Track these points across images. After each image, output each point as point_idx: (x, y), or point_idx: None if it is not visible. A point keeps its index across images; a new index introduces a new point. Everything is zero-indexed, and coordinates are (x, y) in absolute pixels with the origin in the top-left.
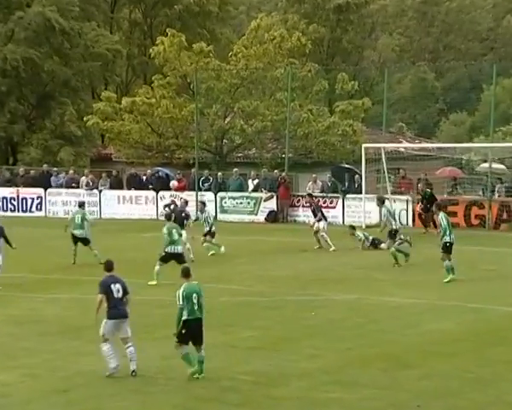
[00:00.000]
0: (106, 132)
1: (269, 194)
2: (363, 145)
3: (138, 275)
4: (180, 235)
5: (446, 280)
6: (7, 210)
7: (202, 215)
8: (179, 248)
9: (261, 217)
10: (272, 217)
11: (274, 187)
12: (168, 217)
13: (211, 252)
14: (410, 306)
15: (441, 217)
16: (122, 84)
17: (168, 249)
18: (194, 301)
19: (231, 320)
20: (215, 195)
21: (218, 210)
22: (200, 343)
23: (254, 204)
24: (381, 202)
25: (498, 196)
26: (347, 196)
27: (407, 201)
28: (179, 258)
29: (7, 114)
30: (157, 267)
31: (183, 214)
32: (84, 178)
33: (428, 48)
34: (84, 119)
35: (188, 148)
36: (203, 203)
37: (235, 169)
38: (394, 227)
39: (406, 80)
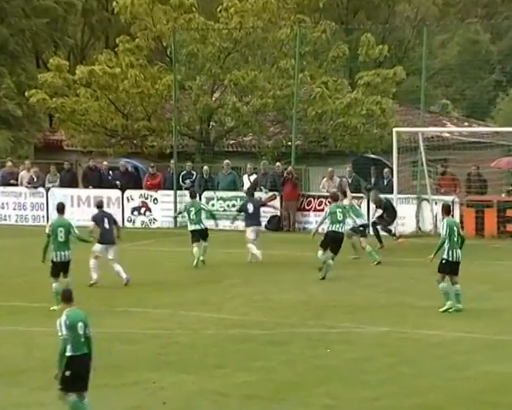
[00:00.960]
0: (55, 112)
1: (270, 194)
2: (395, 129)
3: (100, 301)
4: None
5: (442, 309)
6: None
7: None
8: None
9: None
10: (275, 224)
11: (277, 185)
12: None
13: (196, 261)
14: (456, 341)
15: (444, 224)
16: (76, 49)
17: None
18: (80, 331)
19: (221, 360)
20: (199, 195)
21: (203, 215)
22: (84, 389)
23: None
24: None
25: None
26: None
27: (453, 202)
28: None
29: None
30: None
31: None
32: (25, 172)
33: (482, 0)
34: (26, 94)
35: (163, 133)
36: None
37: (226, 161)
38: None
39: (452, 43)
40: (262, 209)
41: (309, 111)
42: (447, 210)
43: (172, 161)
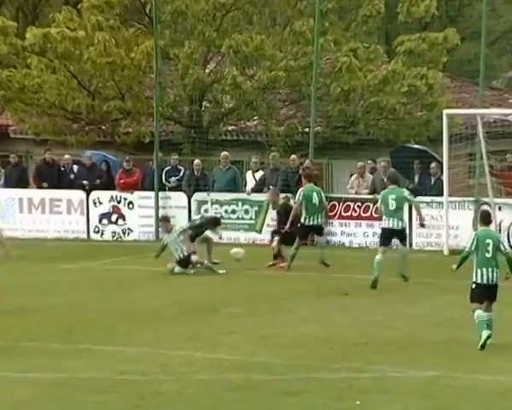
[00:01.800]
0: None
1: (282, 196)
2: (446, 112)
3: (56, 336)
4: None
5: (480, 343)
6: None
7: (170, 237)
8: None
9: (268, 235)
10: (288, 235)
11: (291, 184)
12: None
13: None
14: None
15: (472, 235)
16: (27, 5)
17: None
18: None
19: None
20: (189, 197)
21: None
22: None
23: (257, 214)
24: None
25: None
26: (418, 198)
27: None
28: None
29: None
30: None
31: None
32: None
33: None
34: None
35: (142, 116)
36: (166, 219)
37: (225, 153)
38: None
39: None
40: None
41: (332, 87)
42: (485, 219)
43: (154, 154)
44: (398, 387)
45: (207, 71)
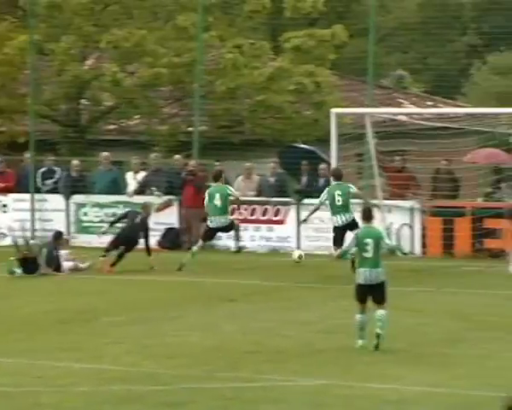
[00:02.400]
0: None
1: (165, 199)
2: (334, 111)
3: None
4: None
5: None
6: None
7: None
8: None
9: (151, 239)
10: (171, 239)
11: (175, 186)
12: None
13: None
14: (417, 399)
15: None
16: None
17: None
18: None
19: None
20: (66, 200)
21: (72, 228)
22: None
23: None
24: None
25: None
26: (307, 201)
27: (412, 210)
28: None
29: None
30: None
31: None
32: None
33: None
34: None
35: (16, 114)
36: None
37: (105, 153)
38: None
39: None
40: (156, 218)
41: (217, 85)
42: (366, 215)
43: (28, 154)
44: (288, 396)
45: (86, 67)
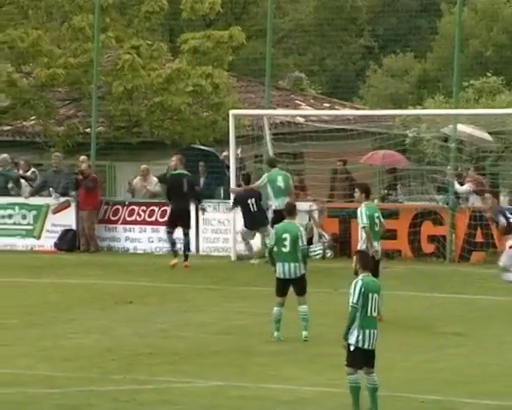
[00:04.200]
0: None
1: (61, 200)
2: (232, 112)
3: None
4: None
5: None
6: None
7: None
8: None
9: (48, 242)
10: (68, 241)
11: (70, 187)
12: None
13: None
14: (314, 399)
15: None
16: None
17: None
18: None
19: None
20: None
21: None
22: None
23: (35, 219)
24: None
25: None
26: (205, 201)
27: (310, 212)
28: None
29: None
30: None
31: None
32: None
33: None
34: None
35: None
36: None
37: (4, 155)
38: None
39: None
40: (52, 220)
41: (114, 86)
42: (289, 210)
43: None
44: (183, 398)
45: None
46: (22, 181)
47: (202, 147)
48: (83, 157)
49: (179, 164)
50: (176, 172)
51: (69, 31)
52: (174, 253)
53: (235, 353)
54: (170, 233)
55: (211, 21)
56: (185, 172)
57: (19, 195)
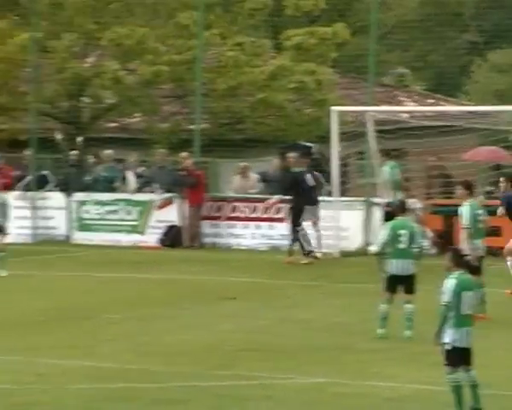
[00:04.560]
0: None
1: (166, 196)
2: (334, 109)
3: None
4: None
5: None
6: None
7: None
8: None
9: (152, 238)
10: (172, 237)
11: (176, 183)
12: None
13: None
14: (412, 396)
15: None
16: None
17: None
18: None
19: None
20: (67, 196)
21: (72, 225)
22: None
23: (140, 214)
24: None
25: None
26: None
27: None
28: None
29: None
30: None
31: None
32: None
33: None
34: None
35: (16, 112)
36: None
37: (108, 151)
38: None
39: None
40: (157, 216)
41: (218, 83)
42: (400, 209)
43: (29, 152)
44: (285, 394)
45: (87, 65)
46: (129, 177)
47: (306, 143)
48: (184, 154)
49: (297, 162)
50: (297, 169)
51: (174, 28)
52: (307, 252)
53: (336, 350)
54: (299, 231)
55: (314, 18)
56: (304, 168)
57: (124, 191)
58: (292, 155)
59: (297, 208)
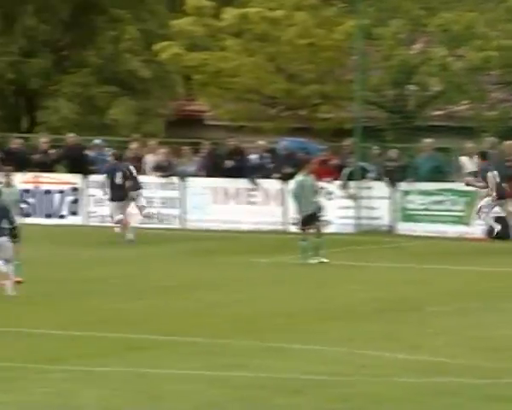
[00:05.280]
0: (194, 72)
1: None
2: None
3: (247, 333)
4: None
5: None
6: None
7: None
8: None
9: (479, 229)
10: (503, 230)
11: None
12: None
13: None
14: None
15: None
16: None
17: None
18: None
19: None
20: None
21: (396, 216)
22: None
23: (466, 205)
24: None
25: None
26: None
27: None
28: None
29: (19, 38)
30: None
31: None
32: (150, 155)
33: None
34: (154, 47)
35: (341, 100)
36: None
37: (429, 140)
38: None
39: None
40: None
41: None
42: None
43: (350, 140)
44: None
45: (413, 52)
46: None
47: None
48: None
49: None
50: None
51: (504, 12)
52: None
53: None
54: None
55: None
56: None
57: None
58: None
59: None
